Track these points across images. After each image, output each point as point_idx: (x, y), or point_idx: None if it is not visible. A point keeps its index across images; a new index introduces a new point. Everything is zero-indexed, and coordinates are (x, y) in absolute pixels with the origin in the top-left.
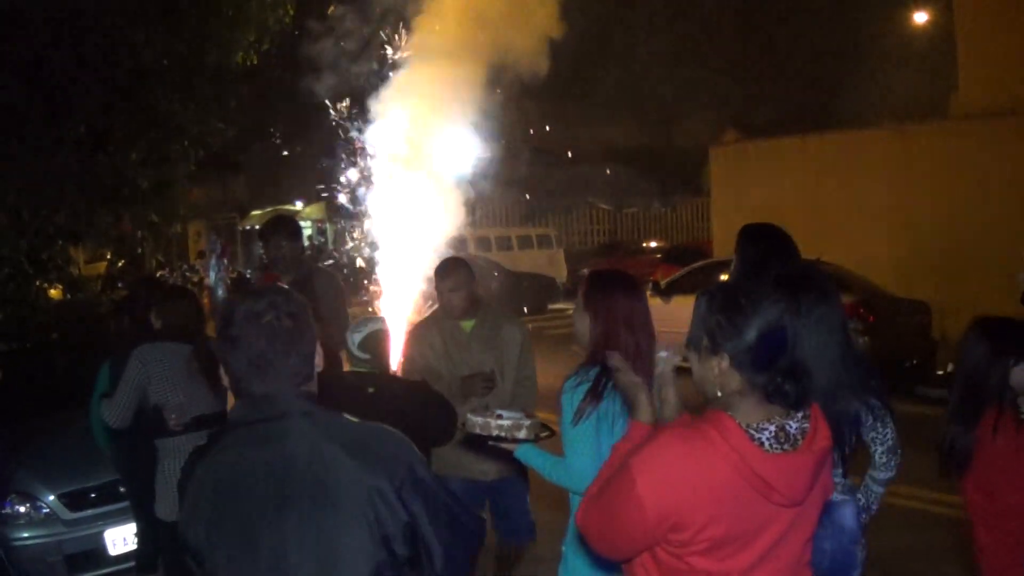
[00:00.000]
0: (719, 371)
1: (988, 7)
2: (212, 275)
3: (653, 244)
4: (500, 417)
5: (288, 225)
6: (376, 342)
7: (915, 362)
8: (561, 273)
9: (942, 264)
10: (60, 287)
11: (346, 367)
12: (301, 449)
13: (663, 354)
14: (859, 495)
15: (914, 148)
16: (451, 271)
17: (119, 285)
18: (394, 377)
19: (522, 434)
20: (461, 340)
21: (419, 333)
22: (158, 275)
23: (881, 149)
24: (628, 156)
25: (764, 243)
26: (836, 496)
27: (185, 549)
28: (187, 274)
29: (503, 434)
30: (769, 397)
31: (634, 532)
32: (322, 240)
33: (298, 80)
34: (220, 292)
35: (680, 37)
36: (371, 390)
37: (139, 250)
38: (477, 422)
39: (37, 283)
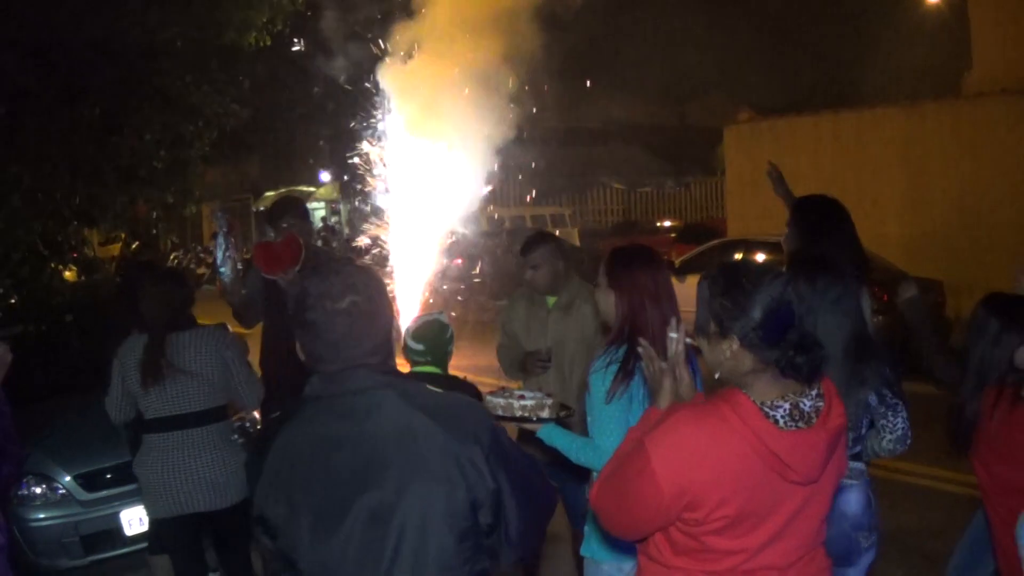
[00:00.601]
0: (731, 353)
1: None
2: (219, 254)
3: (667, 223)
4: (522, 398)
5: (296, 205)
6: (430, 331)
7: None
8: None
9: (955, 243)
10: (75, 269)
11: (406, 366)
12: (390, 421)
13: (674, 334)
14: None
15: (927, 126)
16: (532, 247)
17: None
18: (450, 379)
19: (545, 413)
20: (541, 315)
21: (510, 302)
22: (172, 256)
23: (894, 127)
24: (642, 135)
25: (823, 214)
26: (843, 480)
27: (260, 522)
28: (201, 255)
29: (526, 414)
30: (783, 372)
31: (649, 511)
32: (336, 220)
33: (311, 60)
34: (227, 271)
35: (693, 16)
36: None
37: (153, 231)
38: (499, 403)
39: (52, 265)
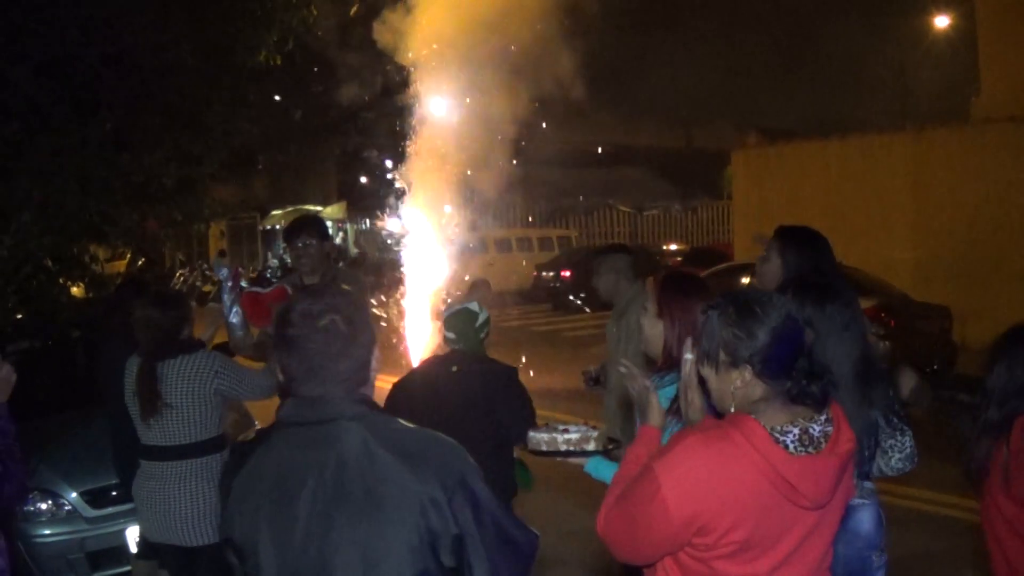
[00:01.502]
0: (742, 383)
1: (1010, 11)
2: (226, 303)
3: (673, 247)
4: (567, 431)
5: (316, 224)
6: (460, 320)
7: (936, 367)
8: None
9: (963, 268)
10: (82, 285)
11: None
12: (353, 454)
13: (688, 356)
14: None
15: (935, 152)
16: (597, 255)
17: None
18: (482, 358)
19: (591, 447)
20: (609, 327)
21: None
22: (178, 274)
23: (902, 153)
24: (649, 158)
25: (815, 246)
26: (854, 500)
27: (228, 544)
28: (207, 273)
29: (571, 448)
30: (794, 400)
31: (659, 537)
32: (343, 239)
33: (321, 80)
34: (236, 323)
35: (702, 40)
36: (455, 368)
37: (160, 248)
38: (542, 439)
39: (60, 281)
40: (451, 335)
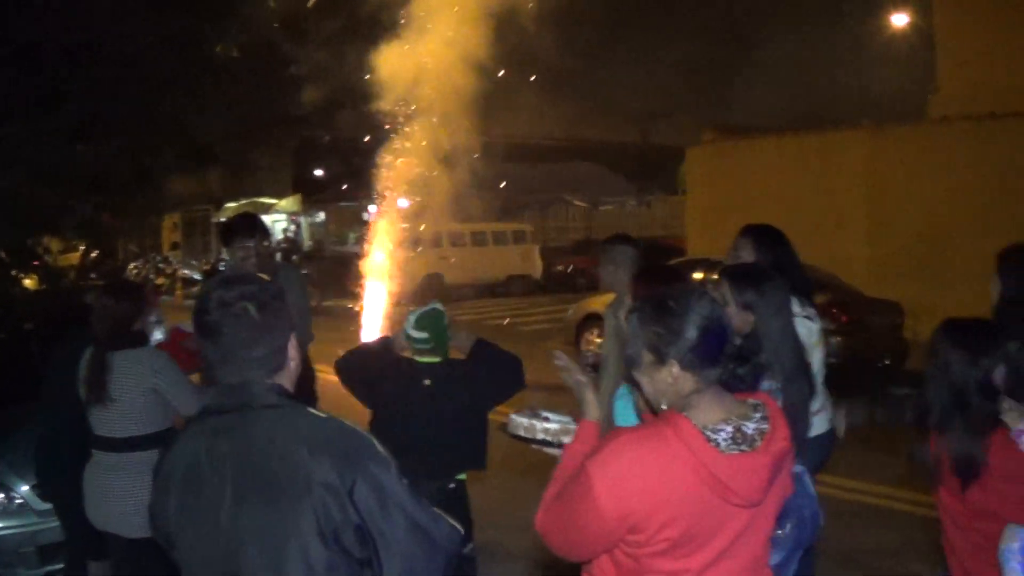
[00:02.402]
0: (672, 379)
1: (967, 10)
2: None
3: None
4: (547, 420)
5: (251, 224)
6: (432, 320)
7: (887, 362)
8: (536, 270)
9: (916, 265)
10: (35, 277)
11: (406, 353)
12: (259, 443)
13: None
14: None
15: (890, 149)
16: (602, 244)
17: (92, 276)
18: (452, 361)
19: (567, 439)
20: (608, 316)
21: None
22: (131, 266)
23: (857, 150)
24: (605, 153)
25: (782, 245)
26: (796, 467)
27: (155, 531)
28: (160, 265)
29: (548, 438)
30: (726, 386)
31: (592, 535)
32: (296, 232)
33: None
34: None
35: (660, 37)
36: (427, 382)
37: (114, 240)
38: (522, 423)
39: (13, 273)
40: (422, 335)
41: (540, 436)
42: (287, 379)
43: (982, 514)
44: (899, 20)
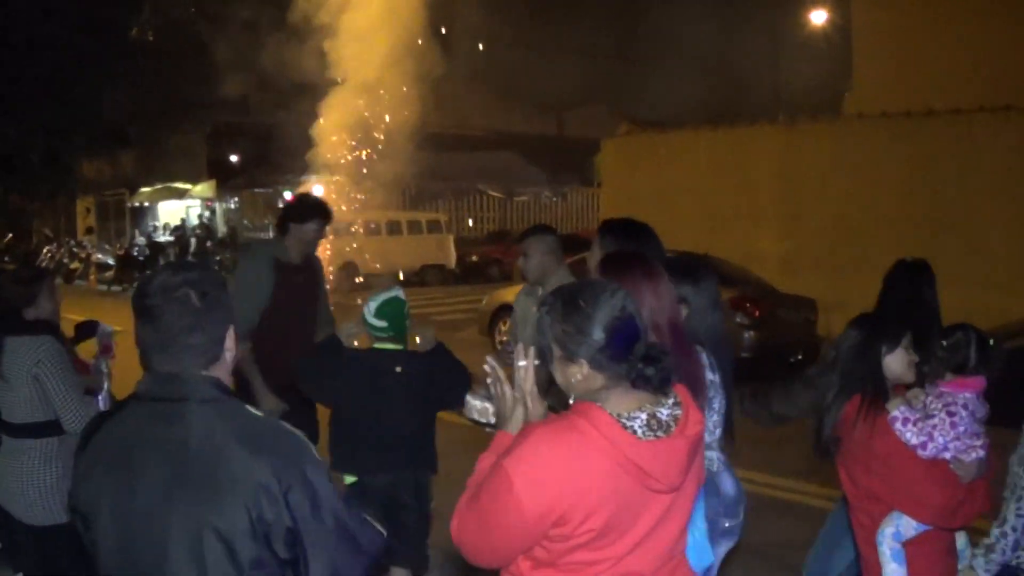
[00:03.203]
0: (581, 376)
1: (885, 7)
2: (103, 380)
3: None
4: None
5: (325, 209)
6: (393, 308)
7: (800, 357)
8: (450, 259)
9: (829, 261)
10: None
11: (363, 341)
12: (198, 436)
13: (521, 363)
14: None
15: (805, 145)
16: (525, 236)
17: (5, 259)
18: (413, 352)
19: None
20: (522, 303)
21: (520, 293)
22: (45, 250)
23: (772, 145)
24: (520, 144)
25: (627, 236)
26: (714, 466)
27: (74, 511)
28: (74, 250)
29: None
30: (634, 384)
31: (513, 533)
32: (211, 217)
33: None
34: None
35: (577, 26)
36: (399, 369)
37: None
38: (475, 406)
39: None
40: (383, 323)
41: (495, 420)
42: (223, 371)
43: (869, 497)
44: (818, 17)
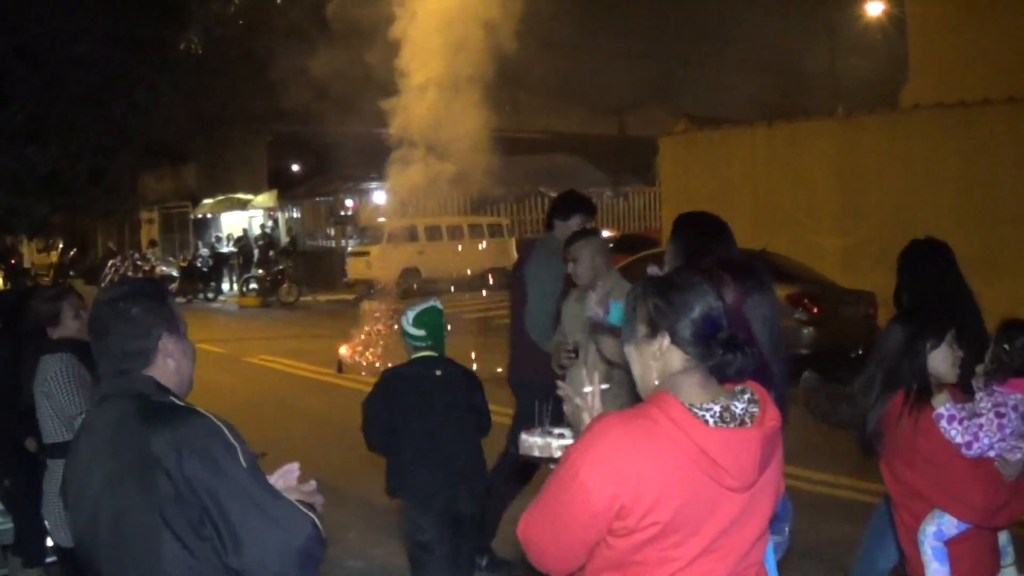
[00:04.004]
0: (660, 352)
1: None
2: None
3: (605, 233)
4: (562, 436)
5: (586, 203)
6: (431, 317)
7: (860, 352)
8: (513, 263)
9: (888, 254)
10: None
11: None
12: (125, 427)
13: (588, 388)
14: None
15: (862, 138)
16: (572, 240)
17: (71, 273)
18: (452, 360)
19: None
20: (571, 308)
21: (567, 298)
22: (109, 264)
23: (828, 139)
24: (581, 145)
25: (703, 231)
26: None
27: (63, 495)
28: (138, 263)
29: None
30: (712, 370)
31: (580, 523)
32: (273, 227)
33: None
34: None
35: (636, 28)
36: (439, 372)
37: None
38: (536, 443)
39: None
40: (421, 332)
41: (557, 454)
42: (160, 372)
43: (912, 494)
44: (874, 8)
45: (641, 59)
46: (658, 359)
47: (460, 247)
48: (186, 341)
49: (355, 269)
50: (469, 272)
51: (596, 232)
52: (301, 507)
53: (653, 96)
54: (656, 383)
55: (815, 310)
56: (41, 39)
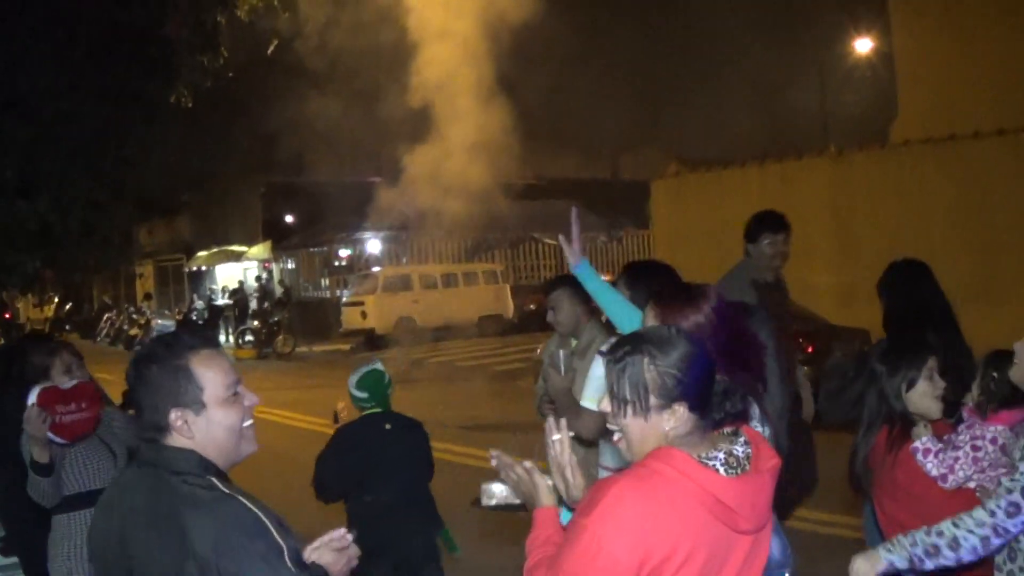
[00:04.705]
0: (675, 421)
1: (924, 31)
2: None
3: (601, 277)
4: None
5: (783, 218)
6: (372, 380)
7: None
8: (508, 309)
9: None
10: None
11: (347, 412)
12: (142, 493)
13: (556, 437)
14: None
15: (853, 175)
16: (551, 288)
17: (66, 328)
18: (397, 414)
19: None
20: (552, 352)
21: (548, 344)
22: (104, 317)
23: (820, 177)
24: (574, 190)
25: (661, 279)
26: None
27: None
28: (134, 316)
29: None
30: (719, 423)
31: None
32: (268, 279)
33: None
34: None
35: (625, 70)
36: (388, 426)
37: (87, 292)
38: (495, 492)
39: None
40: (364, 394)
41: (517, 500)
42: (197, 446)
43: (896, 524)
44: (862, 46)
45: (632, 101)
46: (671, 427)
47: (455, 295)
48: (211, 408)
49: (350, 319)
50: (463, 320)
51: (572, 279)
52: None
53: (646, 138)
54: (653, 445)
55: (809, 349)
56: (30, 94)
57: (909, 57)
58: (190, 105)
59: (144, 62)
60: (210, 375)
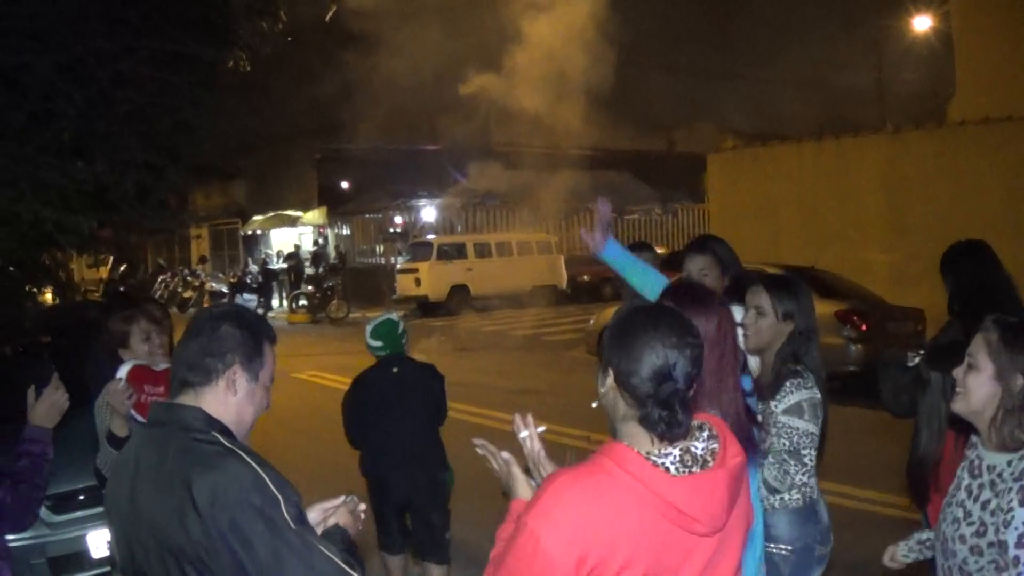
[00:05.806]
0: (604, 388)
1: (985, 14)
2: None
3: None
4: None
5: None
6: (386, 329)
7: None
8: (561, 279)
9: (935, 269)
10: (50, 290)
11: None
12: (155, 452)
13: (523, 433)
14: None
15: (909, 154)
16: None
17: (121, 289)
18: (408, 357)
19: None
20: None
21: None
22: (159, 279)
23: (876, 155)
24: (630, 162)
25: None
26: (814, 494)
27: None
28: (188, 279)
29: None
30: (640, 422)
31: None
32: (323, 244)
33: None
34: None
35: (684, 45)
36: (395, 370)
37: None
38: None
39: (26, 288)
40: (379, 343)
41: None
42: (216, 404)
43: None
44: (921, 24)
45: (688, 75)
46: (604, 392)
47: (509, 264)
48: (256, 386)
49: (404, 286)
50: (516, 289)
51: (647, 245)
52: (341, 563)
53: (702, 113)
54: (609, 414)
55: (863, 327)
56: (86, 57)
57: (968, 37)
58: (248, 69)
59: (201, 26)
60: (270, 361)
